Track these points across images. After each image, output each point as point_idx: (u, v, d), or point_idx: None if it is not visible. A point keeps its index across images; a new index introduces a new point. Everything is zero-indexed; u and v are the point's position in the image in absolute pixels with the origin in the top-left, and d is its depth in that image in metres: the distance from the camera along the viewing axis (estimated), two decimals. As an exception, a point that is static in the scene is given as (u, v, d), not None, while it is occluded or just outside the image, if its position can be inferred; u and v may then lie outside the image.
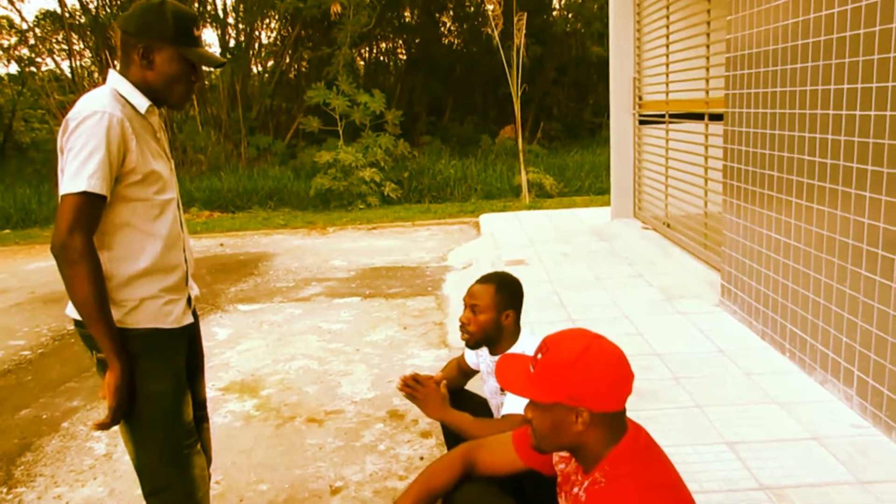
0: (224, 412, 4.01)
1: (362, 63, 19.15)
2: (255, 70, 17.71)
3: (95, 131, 1.85)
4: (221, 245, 9.45)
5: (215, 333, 5.47)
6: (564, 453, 1.79)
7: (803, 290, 3.70)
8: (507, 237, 7.94)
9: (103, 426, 1.97)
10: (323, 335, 5.29)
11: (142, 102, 2.00)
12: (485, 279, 2.55)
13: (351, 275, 7.26)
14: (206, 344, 5.24)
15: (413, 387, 2.46)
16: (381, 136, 12.42)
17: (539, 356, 1.60)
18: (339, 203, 11.82)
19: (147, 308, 2.01)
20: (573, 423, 1.56)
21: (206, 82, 17.35)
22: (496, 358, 2.55)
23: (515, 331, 2.51)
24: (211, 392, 4.27)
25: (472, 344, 2.54)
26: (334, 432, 3.70)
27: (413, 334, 5.21)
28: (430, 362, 4.60)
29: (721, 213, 4.92)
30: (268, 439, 3.66)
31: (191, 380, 2.21)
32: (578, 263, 6.42)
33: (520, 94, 11.58)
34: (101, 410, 2.80)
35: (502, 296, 2.48)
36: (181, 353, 2.12)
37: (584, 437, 1.58)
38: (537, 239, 7.73)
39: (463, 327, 2.53)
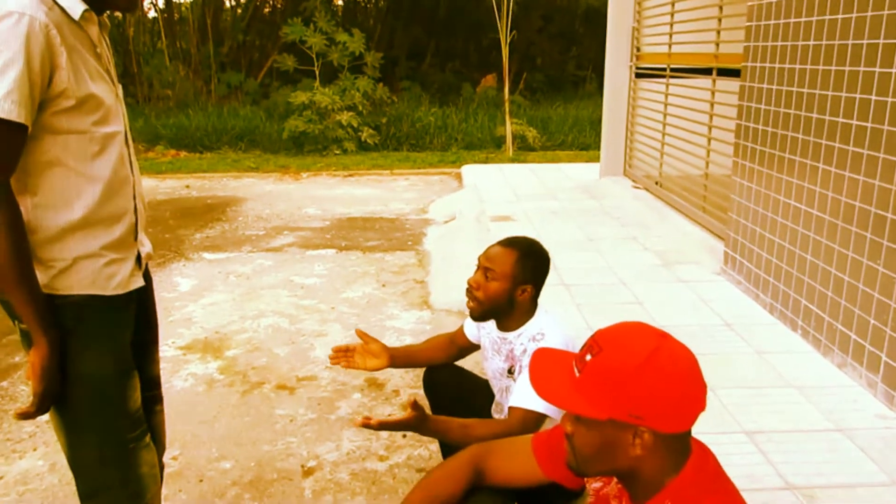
0: (185, 374, 3.63)
1: (340, 2, 18.32)
2: (227, 3, 16.85)
3: (9, 39, 1.40)
4: (187, 187, 8.94)
5: (178, 284, 5.05)
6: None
7: (824, 263, 3.39)
8: (492, 191, 7.55)
9: (27, 415, 1.58)
10: (295, 290, 4.90)
11: (74, 6, 1.53)
12: (509, 242, 2.15)
13: (325, 224, 6.84)
14: (167, 296, 4.82)
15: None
16: (359, 78, 11.80)
17: (588, 357, 1.23)
18: (314, 147, 11.28)
19: (82, 269, 1.59)
20: (629, 446, 1.21)
21: (176, 14, 16.49)
22: (504, 335, 2.17)
23: (531, 308, 2.14)
24: (171, 351, 3.88)
25: (478, 315, 2.15)
26: (307, 402, 3.34)
27: (392, 292, 4.84)
28: (411, 325, 4.25)
29: (727, 176, 4.59)
30: (233, 408, 3.30)
31: (140, 355, 1.80)
32: (568, 222, 6.07)
33: (508, 41, 11.05)
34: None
35: (524, 266, 2.09)
36: (127, 325, 1.71)
37: (642, 463, 1.23)
38: (523, 194, 7.35)
39: (470, 291, 2.13)
